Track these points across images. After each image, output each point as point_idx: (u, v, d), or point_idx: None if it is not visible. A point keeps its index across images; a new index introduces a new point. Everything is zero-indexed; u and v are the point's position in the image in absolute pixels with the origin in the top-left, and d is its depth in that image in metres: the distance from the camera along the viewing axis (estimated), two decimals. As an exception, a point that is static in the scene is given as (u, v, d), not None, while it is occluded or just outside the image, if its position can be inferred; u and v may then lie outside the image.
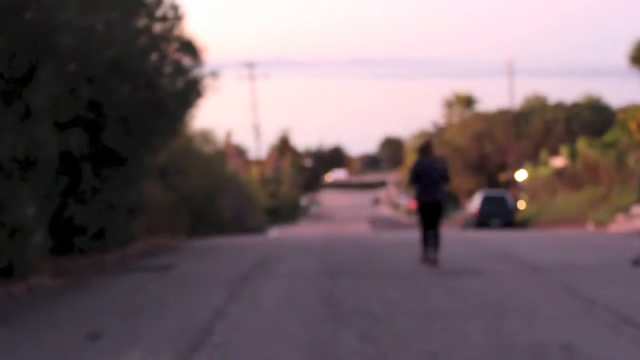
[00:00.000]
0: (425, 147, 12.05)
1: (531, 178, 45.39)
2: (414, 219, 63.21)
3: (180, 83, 14.19)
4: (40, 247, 10.44)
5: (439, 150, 62.86)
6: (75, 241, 13.99)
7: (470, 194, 59.08)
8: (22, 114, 10.15)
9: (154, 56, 13.48)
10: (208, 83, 14.84)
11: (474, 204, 38.87)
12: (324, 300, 8.43)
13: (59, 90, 10.77)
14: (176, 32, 14.02)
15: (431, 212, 11.71)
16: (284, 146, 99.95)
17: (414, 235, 17.38)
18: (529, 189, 46.02)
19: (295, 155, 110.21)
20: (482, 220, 36.73)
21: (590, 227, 27.88)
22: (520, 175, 52.15)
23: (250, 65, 67.37)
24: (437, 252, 11.56)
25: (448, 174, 11.89)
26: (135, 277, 11.27)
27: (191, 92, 14.47)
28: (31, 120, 10.26)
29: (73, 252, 13.98)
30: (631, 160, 31.15)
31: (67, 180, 13.06)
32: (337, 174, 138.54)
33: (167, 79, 13.83)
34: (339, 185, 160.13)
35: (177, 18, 13.93)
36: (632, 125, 35.17)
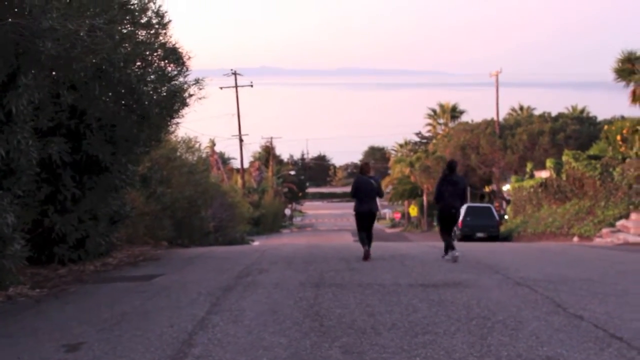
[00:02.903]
0: (363, 167, 15.43)
1: (516, 190, 45.56)
2: (399, 231, 63.08)
3: (164, 91, 14.13)
4: (20, 257, 10.34)
5: (423, 161, 62.86)
6: (55, 250, 13.90)
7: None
8: (2, 120, 10.08)
9: (137, 63, 13.43)
10: (192, 91, 14.80)
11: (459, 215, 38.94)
12: (307, 312, 8.40)
13: (40, 96, 10.71)
14: (161, 39, 13.97)
15: (367, 219, 15.17)
16: (268, 155, 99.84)
17: (399, 247, 17.40)
18: (514, 201, 46.19)
19: (280, 164, 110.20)
20: (467, 232, 36.86)
21: (575, 240, 28.01)
22: (506, 187, 52.38)
23: (235, 74, 67.34)
24: (369, 247, 14.96)
25: (381, 189, 15.29)
26: (116, 288, 11.19)
27: (175, 100, 14.41)
28: (12, 127, 10.18)
29: (53, 261, 13.89)
30: (616, 173, 31.35)
31: (48, 188, 12.99)
32: None
33: (151, 86, 13.76)
34: (323, 195, 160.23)
35: (162, 25, 13.89)
36: (618, 138, 35.44)
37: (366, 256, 14.69)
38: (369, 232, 15.24)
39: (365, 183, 15.08)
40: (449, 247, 14.80)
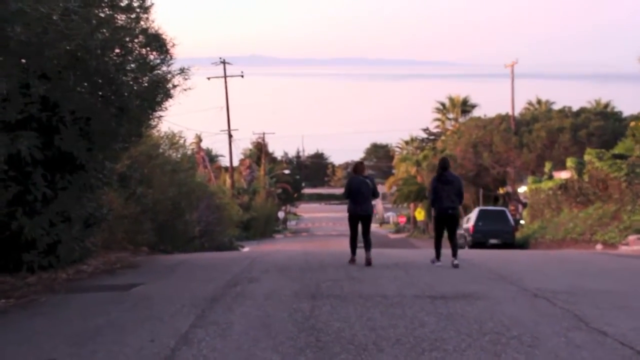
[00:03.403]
0: (357, 166, 16.09)
1: (533, 192, 45.58)
2: (404, 236, 63.24)
3: (145, 81, 14.09)
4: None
5: (431, 160, 62.89)
6: (23, 257, 13.86)
7: (465, 209, 59.29)
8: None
9: (116, 51, 13.40)
10: (177, 82, 14.76)
11: (470, 220, 38.98)
12: (303, 325, 8.38)
13: (8, 86, 10.67)
14: (142, 24, 13.94)
15: (361, 221, 15.67)
16: (259, 153, 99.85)
17: (404, 254, 17.39)
18: (531, 205, 46.21)
19: (273, 162, 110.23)
20: (478, 239, 36.85)
21: (598, 248, 28.00)
22: (522, 189, 52.38)
23: (224, 63, 67.31)
24: (369, 252, 15.44)
25: (377, 189, 15.77)
26: (91, 298, 11.16)
27: (157, 91, 14.37)
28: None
29: (21, 269, 13.85)
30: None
31: (16, 187, 12.94)
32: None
33: (131, 76, 13.72)
34: (320, 197, 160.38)
35: (144, 9, 13.85)
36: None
37: (353, 260, 15.61)
38: (367, 236, 15.62)
39: (359, 183, 15.59)
40: (438, 254, 15.80)
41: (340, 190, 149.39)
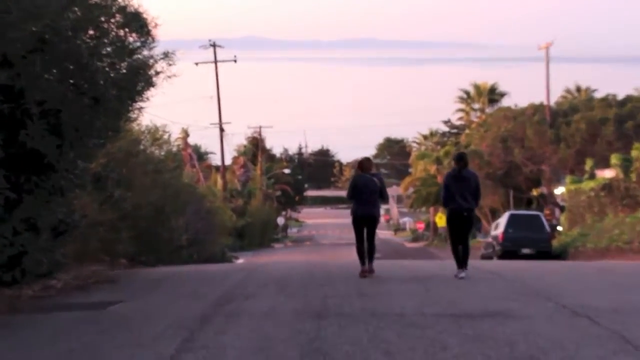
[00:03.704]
0: (363, 163, 16.19)
1: (572, 194, 45.52)
2: (422, 245, 63.37)
3: (123, 67, 14.09)
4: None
5: (450, 157, 62.94)
6: (-17, 270, 13.85)
7: (494, 213, 59.23)
8: None
9: (90, 32, 13.39)
10: (160, 68, 14.75)
11: (499, 226, 38.93)
12: (306, 349, 8.36)
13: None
14: (120, 1, 13.93)
15: (366, 226, 15.84)
16: (255, 149, 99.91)
17: (423, 266, 17.36)
18: (570, 208, 46.16)
19: (271, 160, 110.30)
20: (509, 248, 36.78)
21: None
22: (559, 190, 52.31)
23: (214, 46, 67.38)
24: (371, 263, 15.77)
25: (385, 190, 16.02)
26: (62, 318, 11.15)
27: (138, 78, 14.37)
28: None
29: (-19, 284, 13.84)
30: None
31: (-25, 191, 12.92)
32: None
33: (107, 61, 13.72)
34: (325, 200, 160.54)
35: (121, -17, 13.85)
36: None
37: (364, 273, 15.59)
38: (371, 242, 15.89)
39: (365, 182, 15.80)
40: (459, 263, 15.72)
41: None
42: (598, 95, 72.20)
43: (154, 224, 25.41)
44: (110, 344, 8.97)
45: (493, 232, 39.98)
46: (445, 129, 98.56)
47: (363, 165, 16.18)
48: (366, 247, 15.85)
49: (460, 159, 15.79)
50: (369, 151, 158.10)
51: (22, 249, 14.17)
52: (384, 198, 16.23)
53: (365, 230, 15.93)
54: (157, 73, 14.77)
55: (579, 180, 46.28)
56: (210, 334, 9.35)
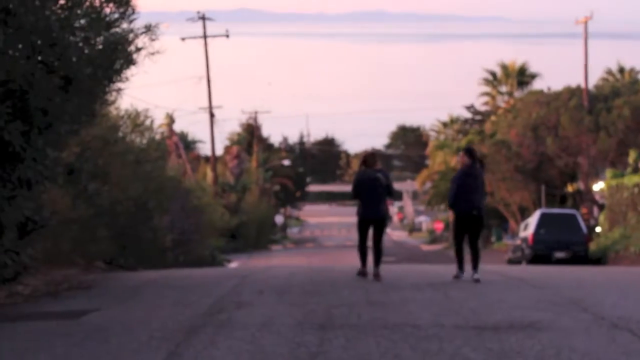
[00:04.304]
0: (367, 158, 16.71)
1: (613, 190, 45.50)
2: (440, 248, 63.64)
3: (99, 42, 14.09)
4: None
5: (479, 147, 63.18)
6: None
7: (523, 212, 59.21)
8: None
9: (60, 2, 13.40)
10: (141, 43, 14.76)
11: (529, 226, 38.94)
12: (308, 366, 8.38)
13: None
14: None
15: (372, 227, 16.44)
16: (251, 138, 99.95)
17: (442, 271, 17.39)
18: (610, 206, 46.14)
19: (268, 150, 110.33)
20: (540, 252, 36.79)
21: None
22: (598, 185, 52.29)
23: (203, 18, 67.35)
24: (378, 267, 16.28)
25: (392, 187, 16.51)
26: (30, 329, 11.17)
27: (116, 55, 14.37)
28: None
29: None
30: None
31: None
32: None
33: (81, 35, 13.73)
34: (330, 196, 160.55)
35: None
36: None
37: (363, 274, 16.51)
38: (378, 245, 16.60)
39: (369, 179, 16.36)
40: (461, 265, 16.59)
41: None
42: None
43: (135, 222, 25.44)
44: (85, 358, 8.99)
45: (522, 234, 39.99)
46: (468, 115, 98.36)
47: (367, 160, 16.69)
48: (373, 250, 16.45)
49: (473, 153, 16.74)
50: (381, 140, 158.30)
51: (-16, 249, 14.21)
52: (392, 195, 16.73)
53: (372, 233, 16.59)
54: (138, 49, 14.78)
55: (621, 174, 46.25)
56: (199, 347, 9.37)
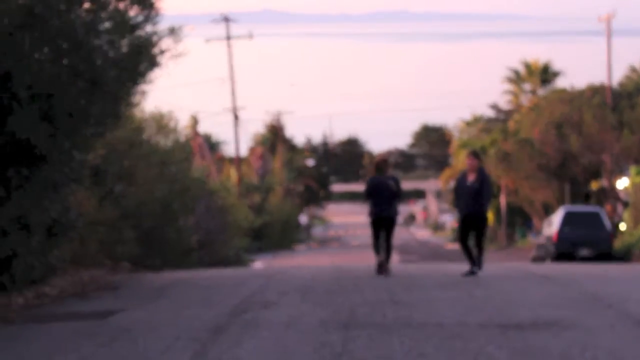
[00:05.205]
0: (379, 164, 17.94)
1: (638, 188, 45.25)
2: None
3: (124, 45, 14.13)
4: None
5: (500, 146, 62.82)
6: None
7: (547, 210, 58.96)
8: None
9: (85, 5, 13.44)
10: (165, 46, 14.79)
11: (553, 224, 38.78)
12: (333, 365, 8.38)
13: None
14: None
15: (383, 226, 17.55)
16: (274, 139, 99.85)
17: (463, 269, 17.36)
18: (635, 204, 45.90)
19: (292, 151, 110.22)
20: (564, 249, 36.64)
21: None
22: (622, 182, 52.04)
23: (227, 20, 67.41)
24: (388, 262, 17.51)
25: (400, 190, 17.72)
26: (57, 329, 11.21)
27: (140, 58, 14.41)
28: None
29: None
30: None
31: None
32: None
33: (106, 38, 13.77)
34: (354, 196, 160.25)
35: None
36: None
37: (380, 268, 17.26)
38: (388, 241, 17.76)
39: (379, 184, 17.67)
40: (473, 260, 17.04)
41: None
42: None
43: (160, 223, 25.48)
44: (111, 358, 9.02)
45: (546, 231, 39.81)
46: (492, 114, 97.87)
47: (379, 166, 18.02)
48: (383, 247, 17.74)
49: (478, 156, 17.58)
50: (404, 140, 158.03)
51: (12, 252, 14.26)
52: (398, 196, 17.89)
53: (383, 231, 17.75)
54: (162, 52, 14.82)
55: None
56: (225, 347, 9.38)
